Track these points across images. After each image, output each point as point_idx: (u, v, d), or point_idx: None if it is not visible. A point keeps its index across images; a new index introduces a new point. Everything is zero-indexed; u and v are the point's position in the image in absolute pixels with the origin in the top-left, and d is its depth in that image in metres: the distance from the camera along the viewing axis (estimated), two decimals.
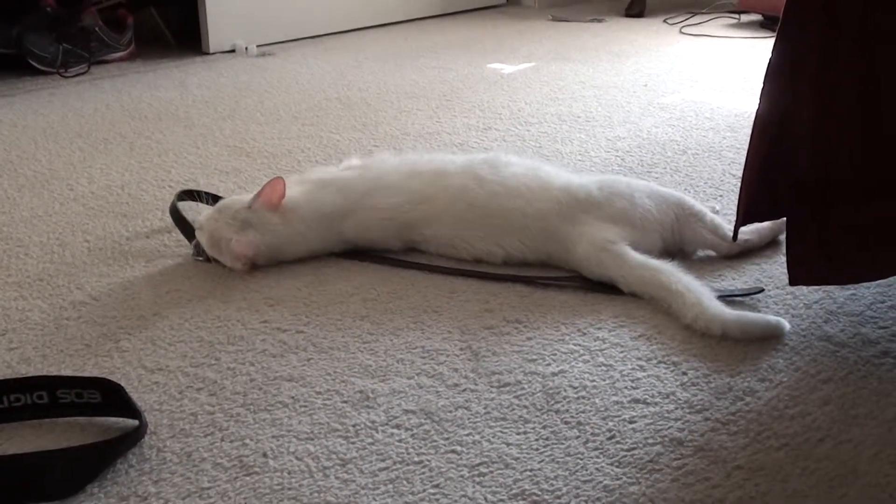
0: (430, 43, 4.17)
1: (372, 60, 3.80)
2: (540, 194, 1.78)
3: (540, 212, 1.76)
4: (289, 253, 1.83)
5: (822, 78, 1.39)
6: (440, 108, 3.00)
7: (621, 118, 2.84)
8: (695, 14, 4.64)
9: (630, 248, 1.68)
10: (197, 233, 1.83)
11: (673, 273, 1.62)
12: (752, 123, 1.44)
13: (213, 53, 3.94)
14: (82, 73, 3.59)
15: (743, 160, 2.27)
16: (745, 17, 4.56)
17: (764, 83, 1.42)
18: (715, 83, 3.32)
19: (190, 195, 2.08)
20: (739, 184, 2.12)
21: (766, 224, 1.81)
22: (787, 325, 1.52)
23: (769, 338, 1.51)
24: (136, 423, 1.29)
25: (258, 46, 3.97)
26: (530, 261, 1.78)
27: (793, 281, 1.51)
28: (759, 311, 1.60)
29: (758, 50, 3.89)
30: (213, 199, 2.08)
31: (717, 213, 1.89)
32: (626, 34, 4.29)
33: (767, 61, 1.40)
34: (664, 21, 4.58)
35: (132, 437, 1.27)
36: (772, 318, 1.53)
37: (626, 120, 2.82)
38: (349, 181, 1.89)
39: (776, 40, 1.39)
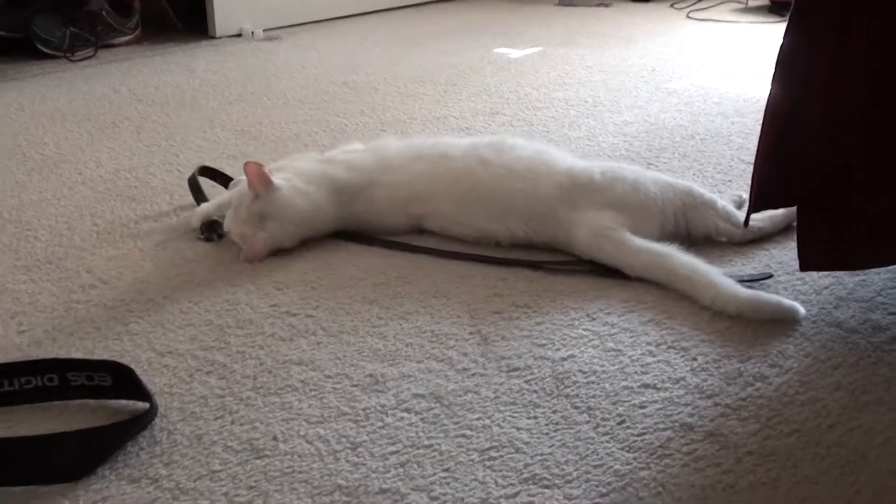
0: (437, 27, 4.16)
1: (378, 45, 3.79)
2: (543, 178, 1.78)
3: (542, 195, 1.76)
4: (305, 231, 1.83)
5: (834, 66, 1.39)
6: (447, 93, 3.00)
7: (629, 103, 2.83)
8: None
9: (629, 233, 1.68)
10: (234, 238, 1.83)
11: (676, 256, 1.62)
12: (760, 109, 1.44)
13: (220, 37, 3.94)
14: (89, 57, 3.59)
15: (751, 146, 2.28)
16: (752, 2, 4.54)
17: (775, 70, 1.41)
18: (723, 68, 3.31)
19: (209, 172, 2.10)
20: (749, 169, 2.13)
21: (779, 211, 1.81)
22: (801, 311, 1.52)
23: (782, 320, 1.51)
24: (146, 405, 1.30)
25: (264, 31, 3.97)
26: (536, 244, 1.78)
27: (803, 266, 1.51)
28: None
29: (765, 35, 3.88)
30: (227, 180, 2.09)
31: (743, 201, 1.89)
32: (632, 19, 4.28)
33: (779, 48, 1.39)
34: (671, 6, 4.57)
35: (143, 420, 1.27)
36: (786, 301, 1.53)
37: (633, 105, 2.81)
38: (359, 160, 1.90)
39: (788, 26, 1.38)
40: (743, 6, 4.52)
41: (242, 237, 1.79)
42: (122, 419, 1.27)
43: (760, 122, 1.44)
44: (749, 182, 1.51)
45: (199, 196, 2.01)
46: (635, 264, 1.65)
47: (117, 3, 3.78)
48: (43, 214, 2.04)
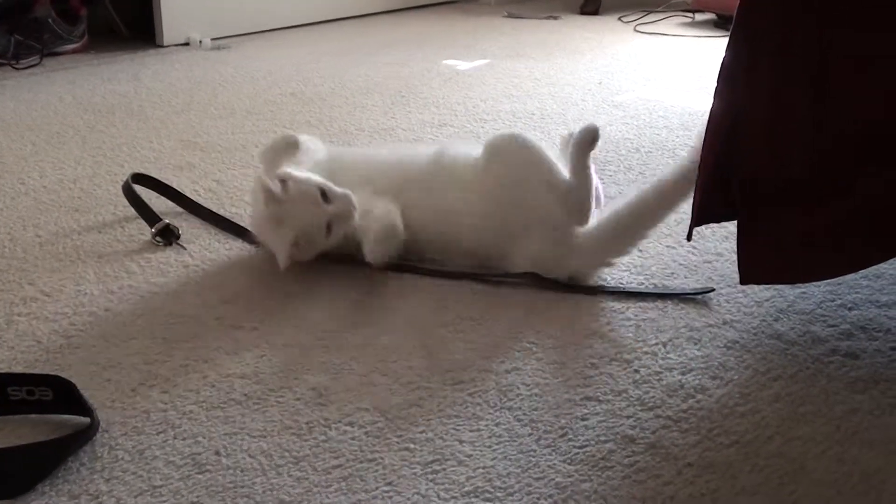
0: (385, 38, 4.16)
1: (327, 55, 3.79)
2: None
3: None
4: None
5: (775, 78, 1.40)
6: (395, 104, 3.00)
7: (575, 115, 2.85)
8: (649, 12, 4.66)
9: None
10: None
11: None
12: (705, 122, 1.45)
13: (168, 46, 3.92)
14: (34, 65, 3.56)
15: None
16: (699, 16, 4.59)
17: (717, 83, 1.43)
18: (669, 81, 3.34)
19: (144, 180, 2.10)
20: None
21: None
22: None
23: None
24: (87, 420, 1.28)
25: (212, 40, 3.95)
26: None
27: (744, 279, 1.52)
28: (710, 310, 1.61)
29: (712, 49, 3.92)
30: (168, 190, 2.08)
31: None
32: (580, 32, 4.31)
33: (721, 61, 1.41)
34: (619, 19, 4.61)
35: (84, 435, 1.26)
36: None
37: (580, 117, 2.83)
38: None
39: (730, 40, 1.40)
40: (690, 20, 4.57)
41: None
42: (62, 434, 1.26)
43: (703, 135, 1.46)
44: (691, 195, 1.52)
45: (140, 204, 1.98)
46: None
47: (64, 10, 3.75)
48: None
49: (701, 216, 1.51)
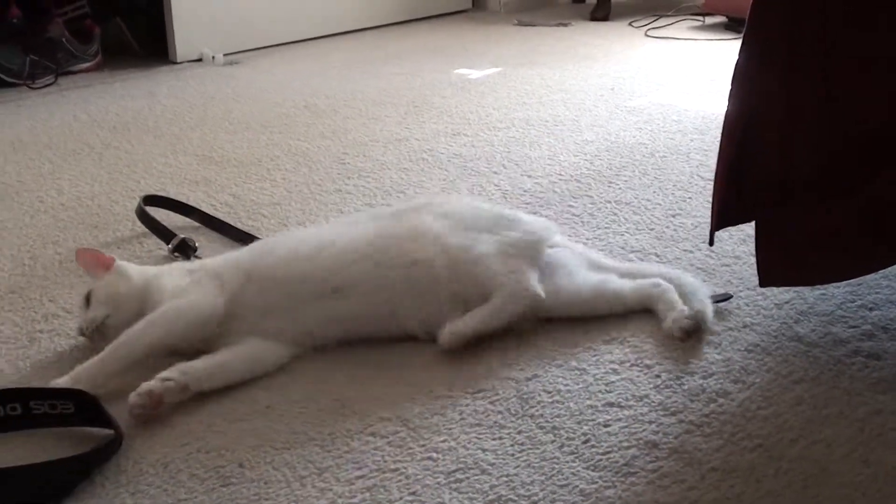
0: (397, 49, 4.17)
1: (339, 68, 3.80)
2: None
3: None
4: None
5: (787, 80, 1.40)
6: (408, 115, 3.01)
7: (589, 122, 2.85)
8: (660, 17, 4.66)
9: None
10: None
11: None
12: (720, 126, 1.45)
13: (181, 63, 3.93)
14: (49, 84, 3.57)
15: (711, 162, 2.30)
16: (709, 20, 4.59)
17: (731, 86, 1.43)
18: (682, 86, 3.34)
19: (157, 201, 2.11)
20: (709, 186, 2.15)
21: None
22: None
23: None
24: (111, 433, 1.29)
25: (225, 55, 3.96)
26: None
27: (763, 282, 1.52)
28: (730, 313, 1.61)
29: (723, 52, 3.92)
30: (180, 207, 2.09)
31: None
32: (591, 38, 4.31)
33: (734, 63, 1.41)
34: (629, 24, 4.61)
35: (108, 449, 1.27)
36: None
37: (593, 124, 2.83)
38: None
39: (742, 43, 1.40)
40: (700, 24, 4.56)
41: None
42: (86, 449, 1.26)
43: (719, 138, 1.46)
44: (709, 199, 1.52)
45: (155, 225, 1.99)
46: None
47: (77, 29, 3.76)
48: (4, 244, 2.03)
49: (720, 220, 1.51)
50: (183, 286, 1.57)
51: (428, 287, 1.55)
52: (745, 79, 1.42)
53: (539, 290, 1.55)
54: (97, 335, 1.52)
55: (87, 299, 1.56)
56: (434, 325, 1.53)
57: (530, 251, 1.62)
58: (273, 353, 1.50)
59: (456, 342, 1.50)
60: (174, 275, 1.62)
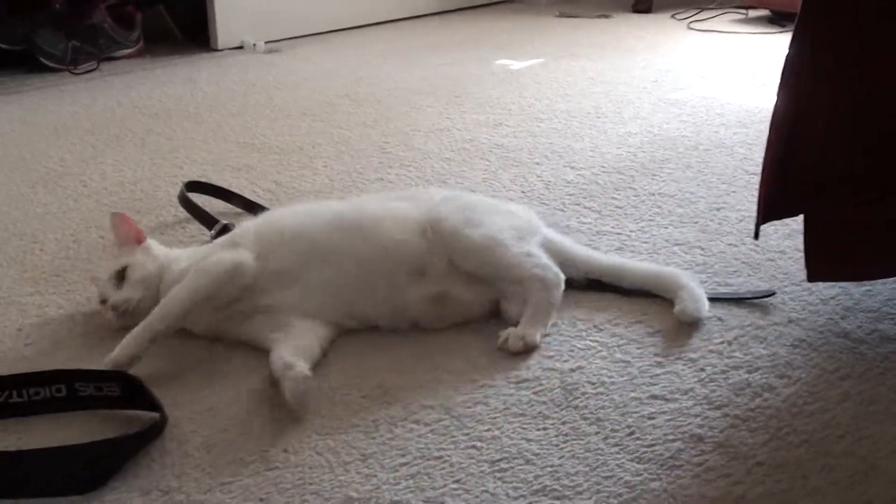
0: (438, 39, 4.16)
1: (379, 57, 3.80)
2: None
3: None
4: None
5: (839, 75, 1.39)
6: (450, 105, 3.00)
7: (632, 114, 2.84)
8: (702, 9, 4.63)
9: None
10: None
11: None
12: (763, 119, 1.46)
13: (222, 50, 3.94)
14: (91, 70, 3.59)
15: (755, 156, 2.30)
16: (752, 13, 4.55)
17: (780, 79, 1.42)
18: (725, 79, 3.31)
19: (199, 187, 2.12)
20: (753, 179, 2.14)
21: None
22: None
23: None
24: (155, 416, 1.30)
25: (266, 43, 3.97)
26: None
27: (811, 277, 1.51)
28: (775, 308, 1.59)
29: (767, 46, 3.88)
30: (222, 193, 2.10)
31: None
32: (633, 30, 4.28)
33: (784, 58, 1.40)
34: (672, 16, 4.58)
35: (153, 431, 1.27)
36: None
37: (636, 116, 2.82)
38: None
39: (793, 37, 1.39)
40: (744, 17, 4.53)
41: None
42: (131, 430, 1.27)
43: (763, 132, 1.45)
44: (753, 193, 1.51)
45: (197, 211, 1.99)
46: None
47: (119, 16, 3.78)
48: (48, 227, 2.04)
49: (767, 213, 1.50)
50: (201, 257, 1.59)
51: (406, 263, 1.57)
52: (793, 73, 1.41)
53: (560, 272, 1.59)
54: (127, 315, 1.53)
55: (121, 275, 1.56)
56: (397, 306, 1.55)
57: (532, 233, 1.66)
58: (319, 330, 1.51)
59: (528, 346, 1.49)
60: (193, 254, 1.65)
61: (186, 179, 2.19)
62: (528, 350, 1.48)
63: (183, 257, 1.63)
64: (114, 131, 2.78)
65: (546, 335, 1.52)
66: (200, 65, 3.71)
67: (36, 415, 1.34)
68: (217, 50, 3.94)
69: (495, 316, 1.58)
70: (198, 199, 2.04)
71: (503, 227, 1.62)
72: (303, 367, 1.35)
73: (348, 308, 1.55)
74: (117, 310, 1.53)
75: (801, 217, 1.53)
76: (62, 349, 1.54)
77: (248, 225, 1.68)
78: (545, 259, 1.59)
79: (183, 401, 1.37)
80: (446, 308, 1.56)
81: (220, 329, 1.54)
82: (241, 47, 3.98)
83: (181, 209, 2.04)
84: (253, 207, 2.05)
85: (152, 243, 1.64)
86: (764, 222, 1.51)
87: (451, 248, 1.58)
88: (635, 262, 1.73)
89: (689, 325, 1.54)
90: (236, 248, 1.58)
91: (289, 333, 1.47)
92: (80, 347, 1.54)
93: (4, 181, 2.35)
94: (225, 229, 1.89)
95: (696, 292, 1.57)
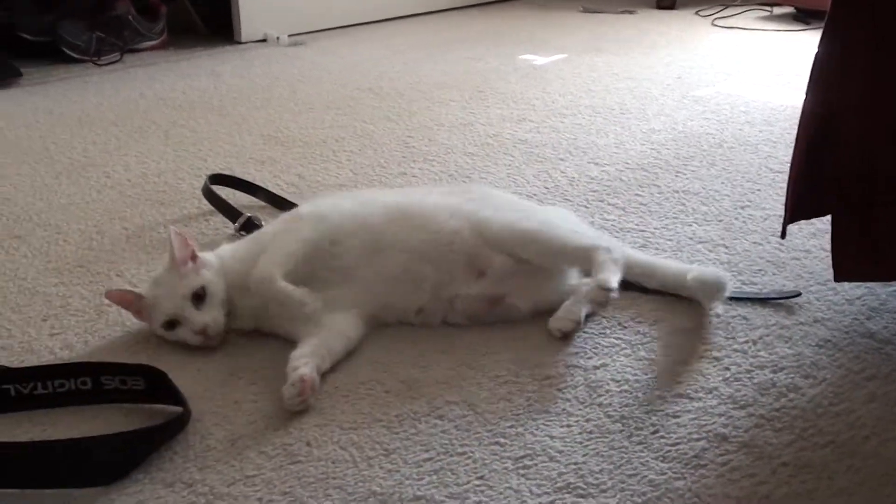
0: (461, 33, 4.15)
1: (403, 51, 3.79)
2: None
3: None
4: None
5: (871, 74, 1.38)
6: (473, 99, 2.99)
7: (656, 110, 2.82)
8: (727, 6, 4.61)
9: None
10: None
11: None
12: (788, 118, 1.45)
13: (245, 43, 3.94)
14: (115, 62, 3.60)
15: (779, 154, 2.28)
16: (777, 10, 4.52)
17: (809, 78, 1.41)
18: (749, 76, 3.29)
19: (223, 180, 2.12)
20: (778, 178, 2.13)
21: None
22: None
23: None
24: (179, 410, 1.30)
25: (289, 36, 3.97)
26: None
27: (838, 277, 1.50)
28: (800, 307, 1.59)
29: (791, 43, 3.86)
30: (246, 185, 2.10)
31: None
32: (657, 26, 4.26)
33: (814, 56, 1.39)
34: (696, 13, 4.55)
35: (177, 424, 1.28)
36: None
37: (660, 112, 2.80)
38: None
39: (823, 35, 1.38)
40: (768, 14, 4.50)
41: None
42: (155, 423, 1.27)
43: (788, 130, 1.44)
44: (778, 191, 1.50)
45: (221, 204, 1.99)
46: None
47: (144, 7, 3.79)
48: (72, 218, 2.05)
49: (794, 212, 1.49)
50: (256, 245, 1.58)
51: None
52: (824, 72, 1.40)
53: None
54: (218, 336, 1.50)
55: (199, 297, 1.49)
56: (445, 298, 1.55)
57: None
58: (351, 325, 1.50)
59: (608, 289, 1.47)
60: (237, 249, 1.63)
61: (210, 172, 2.20)
62: (606, 300, 1.48)
63: (228, 254, 1.60)
64: (137, 123, 2.78)
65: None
66: (224, 57, 3.72)
67: (60, 407, 1.34)
68: (240, 43, 3.94)
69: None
70: (221, 191, 2.04)
71: (550, 214, 1.65)
72: (305, 368, 1.35)
73: (390, 300, 1.55)
74: (206, 332, 1.48)
75: (826, 216, 1.53)
76: (86, 341, 1.54)
77: (304, 210, 1.65)
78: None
79: (206, 395, 1.37)
80: (498, 311, 1.55)
81: (260, 323, 1.54)
82: (264, 40, 3.98)
83: (205, 201, 2.05)
84: (277, 201, 2.05)
85: (206, 257, 1.57)
86: (791, 221, 1.50)
87: (509, 242, 1.57)
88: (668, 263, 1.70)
89: (712, 324, 1.54)
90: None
91: (320, 328, 1.46)
92: (105, 339, 1.54)
93: (29, 172, 2.36)
94: (249, 222, 1.89)
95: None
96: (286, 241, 1.53)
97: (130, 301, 1.54)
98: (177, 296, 1.48)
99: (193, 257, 1.53)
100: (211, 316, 1.48)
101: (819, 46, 1.38)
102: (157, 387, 1.33)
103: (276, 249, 1.51)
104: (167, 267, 1.53)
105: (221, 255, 1.60)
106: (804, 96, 1.42)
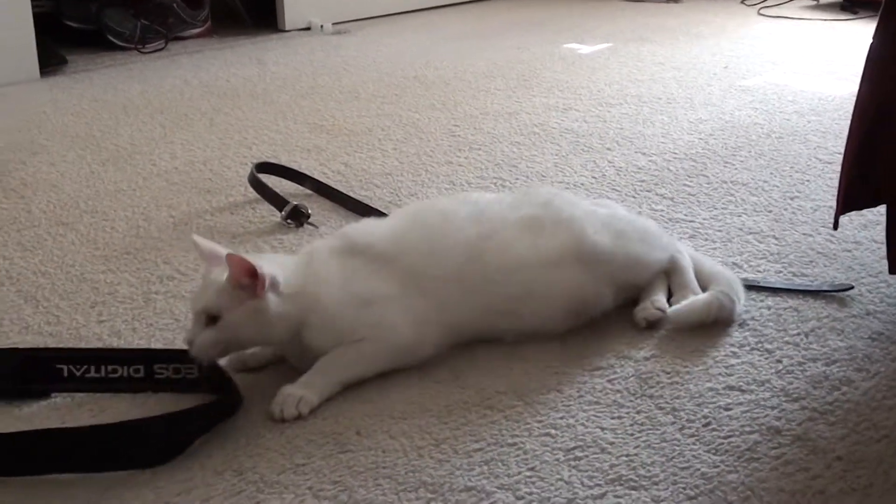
0: (505, 22, 4.14)
1: (447, 40, 3.79)
2: None
3: None
4: None
5: None
6: (518, 88, 2.98)
7: (702, 100, 2.80)
8: None
9: None
10: None
11: None
12: (837, 108, 1.44)
13: (289, 31, 3.95)
14: (160, 49, 3.61)
15: (829, 145, 2.26)
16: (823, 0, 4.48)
17: (864, 68, 1.39)
18: (796, 66, 3.26)
19: (268, 168, 2.12)
20: (828, 168, 2.11)
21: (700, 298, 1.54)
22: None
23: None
24: (231, 397, 1.30)
25: (333, 24, 3.97)
26: None
27: (893, 269, 1.49)
28: (853, 300, 1.57)
29: (839, 32, 3.82)
30: (293, 174, 2.10)
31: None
32: (703, 15, 4.23)
33: (868, 46, 1.37)
34: (741, 2, 4.51)
35: (227, 408, 1.27)
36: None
37: (707, 102, 2.78)
38: None
39: (878, 25, 1.37)
40: (815, 3, 4.45)
41: None
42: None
43: (837, 121, 1.42)
44: (828, 182, 1.48)
45: (268, 192, 2.00)
46: None
47: None
48: (119, 205, 2.06)
49: (847, 203, 1.47)
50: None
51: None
52: (879, 63, 1.38)
53: None
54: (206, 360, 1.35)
55: (213, 319, 1.31)
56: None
57: None
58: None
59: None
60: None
61: (256, 160, 2.20)
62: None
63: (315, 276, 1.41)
64: (182, 110, 2.79)
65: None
66: (268, 45, 3.73)
67: (111, 392, 1.35)
68: (284, 31, 3.95)
69: None
70: (268, 179, 2.05)
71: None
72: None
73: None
74: (190, 348, 1.31)
75: (879, 208, 1.51)
76: (134, 328, 1.54)
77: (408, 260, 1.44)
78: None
79: (257, 383, 1.38)
80: (582, 318, 1.50)
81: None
82: (308, 28, 3.98)
83: (251, 189, 2.05)
84: (324, 190, 2.05)
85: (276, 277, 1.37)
86: (844, 212, 1.49)
87: (623, 272, 1.53)
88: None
89: (763, 316, 1.52)
90: (416, 312, 1.41)
91: None
92: (153, 326, 1.54)
93: (76, 159, 2.37)
94: (296, 211, 1.90)
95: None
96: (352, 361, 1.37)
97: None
98: (199, 299, 1.34)
99: (253, 274, 1.32)
100: (202, 338, 1.30)
101: (874, 37, 1.37)
102: (209, 374, 1.33)
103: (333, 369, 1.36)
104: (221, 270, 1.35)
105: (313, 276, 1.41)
106: (859, 87, 1.40)
